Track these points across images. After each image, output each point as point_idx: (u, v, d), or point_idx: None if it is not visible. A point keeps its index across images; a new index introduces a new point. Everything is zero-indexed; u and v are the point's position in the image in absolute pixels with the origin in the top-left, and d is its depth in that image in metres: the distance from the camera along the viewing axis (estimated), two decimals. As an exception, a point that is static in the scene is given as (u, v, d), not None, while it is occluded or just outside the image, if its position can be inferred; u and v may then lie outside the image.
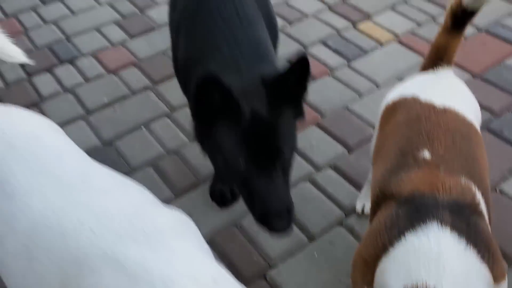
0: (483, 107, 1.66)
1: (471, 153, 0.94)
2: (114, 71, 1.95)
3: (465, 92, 1.11)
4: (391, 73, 1.84)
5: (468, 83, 1.75)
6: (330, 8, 2.19)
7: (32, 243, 0.69)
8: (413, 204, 0.85)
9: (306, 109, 1.72)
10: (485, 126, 1.61)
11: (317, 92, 1.79)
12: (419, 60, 1.89)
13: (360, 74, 1.85)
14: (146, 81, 1.89)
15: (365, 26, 2.07)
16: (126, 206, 0.72)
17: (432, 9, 2.15)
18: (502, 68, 1.82)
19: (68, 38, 2.13)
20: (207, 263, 0.66)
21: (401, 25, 2.06)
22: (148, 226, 0.69)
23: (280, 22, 2.10)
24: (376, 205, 0.96)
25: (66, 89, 1.87)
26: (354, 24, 2.09)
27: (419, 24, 2.07)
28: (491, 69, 1.82)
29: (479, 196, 0.87)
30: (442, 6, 2.15)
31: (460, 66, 1.83)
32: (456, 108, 1.02)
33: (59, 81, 1.91)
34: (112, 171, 0.83)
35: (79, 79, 1.92)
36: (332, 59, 1.92)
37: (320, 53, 1.95)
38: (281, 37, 2.00)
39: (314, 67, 1.89)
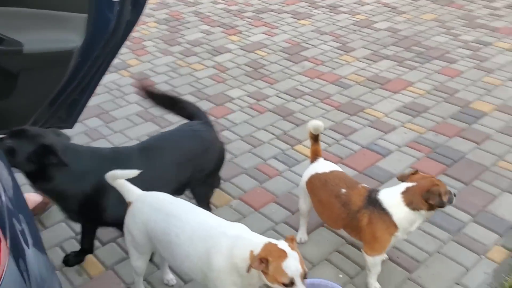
0: (362, 188, 3.03)
1: (354, 183, 2.34)
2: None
3: (333, 165, 2.51)
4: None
5: (354, 176, 3.14)
6: (277, 137, 3.61)
7: (193, 235, 1.94)
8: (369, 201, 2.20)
9: (267, 193, 3.03)
10: (363, 197, 2.96)
11: (272, 184, 3.12)
12: (330, 165, 3.27)
13: (296, 174, 3.21)
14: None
15: (298, 147, 3.49)
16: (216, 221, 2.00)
17: (336, 135, 3.60)
18: (374, 167, 3.24)
19: (116, 160, 3.40)
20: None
21: (319, 146, 3.49)
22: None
23: (248, 146, 3.49)
24: (351, 221, 2.26)
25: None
26: (292, 146, 3.51)
27: (329, 145, 3.51)
28: (368, 168, 3.23)
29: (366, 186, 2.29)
30: (343, 134, 3.61)
31: (350, 166, 3.24)
32: (336, 169, 2.41)
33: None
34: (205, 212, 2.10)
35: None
36: (280, 166, 3.29)
37: (274, 163, 3.32)
38: (250, 155, 3.38)
39: (270, 171, 3.23)
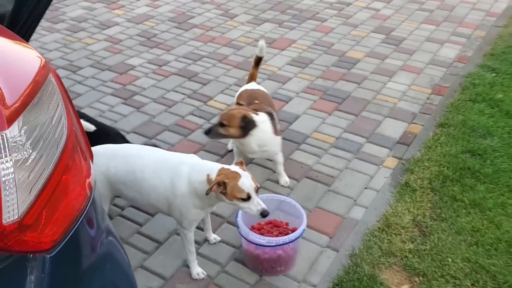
0: (276, 128, 3.49)
1: (269, 100, 2.94)
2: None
3: (260, 87, 3.13)
4: (230, 122, 3.60)
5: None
6: (190, 96, 3.91)
7: (156, 168, 2.20)
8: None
9: (195, 145, 3.34)
10: (278, 135, 3.43)
11: (196, 136, 3.43)
12: (242, 114, 3.68)
13: (215, 124, 3.56)
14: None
15: (211, 102, 3.83)
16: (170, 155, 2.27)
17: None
18: (281, 112, 3.72)
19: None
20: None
21: (228, 100, 3.86)
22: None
23: (163, 107, 3.74)
24: None
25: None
26: (205, 103, 3.84)
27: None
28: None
29: (271, 110, 2.85)
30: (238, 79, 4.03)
31: (262, 113, 3.68)
32: (259, 88, 3.03)
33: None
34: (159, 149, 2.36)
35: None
36: (199, 120, 3.61)
37: (192, 119, 3.62)
38: (167, 114, 3.64)
39: (190, 125, 3.54)
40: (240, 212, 2.32)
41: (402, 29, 5.14)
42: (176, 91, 3.98)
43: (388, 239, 2.56)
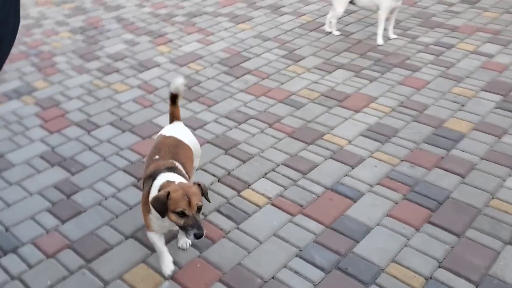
0: (332, 251, 2.36)
1: (177, 152, 2.32)
2: (52, 255, 2.40)
3: (184, 130, 2.53)
4: (269, 230, 2.51)
5: (321, 233, 2.47)
6: (219, 180, 2.88)
7: None
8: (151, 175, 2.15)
9: (210, 268, 2.30)
10: (335, 265, 2.29)
11: (216, 252, 2.39)
12: (288, 217, 2.59)
13: (246, 233, 2.49)
14: (80, 261, 2.37)
15: (246, 193, 2.77)
16: None
17: (294, 174, 2.92)
18: (344, 218, 2.57)
19: (7, 229, 2.56)
20: None
21: (272, 189, 2.79)
22: None
23: (182, 197, 2.73)
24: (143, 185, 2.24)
25: (13, 277, 2.29)
26: (238, 192, 2.78)
27: (285, 188, 2.81)
28: (337, 220, 2.56)
29: (177, 164, 2.23)
30: (302, 172, 2.93)
31: (314, 219, 2.56)
32: (174, 135, 2.41)
33: (6, 271, 2.32)
34: None
35: (23, 266, 2.35)
36: (225, 223, 2.56)
37: (216, 219, 2.59)
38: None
39: (211, 231, 2.50)
40: None
41: (526, 86, 3.78)
42: (206, 171, 2.96)
43: None
